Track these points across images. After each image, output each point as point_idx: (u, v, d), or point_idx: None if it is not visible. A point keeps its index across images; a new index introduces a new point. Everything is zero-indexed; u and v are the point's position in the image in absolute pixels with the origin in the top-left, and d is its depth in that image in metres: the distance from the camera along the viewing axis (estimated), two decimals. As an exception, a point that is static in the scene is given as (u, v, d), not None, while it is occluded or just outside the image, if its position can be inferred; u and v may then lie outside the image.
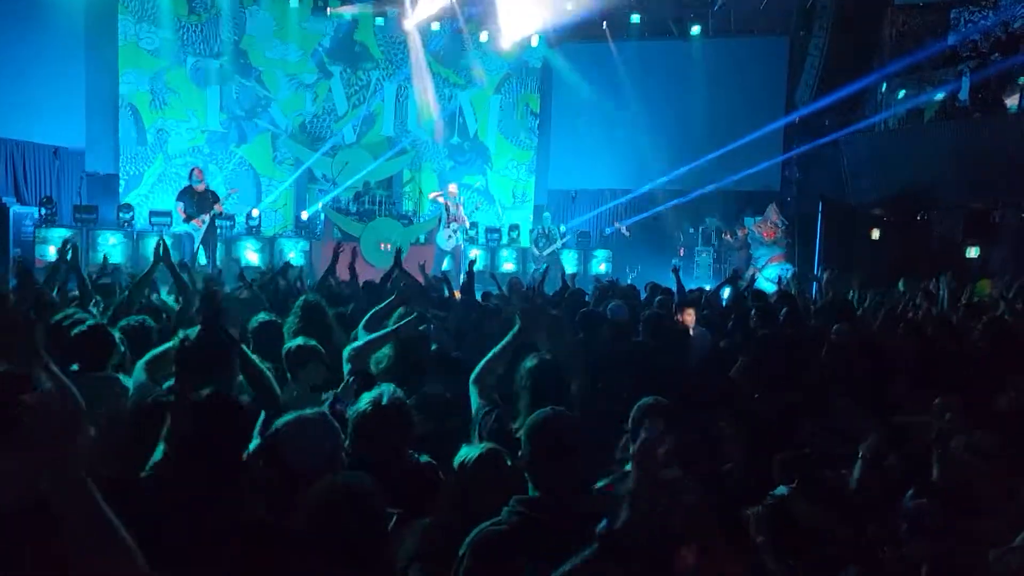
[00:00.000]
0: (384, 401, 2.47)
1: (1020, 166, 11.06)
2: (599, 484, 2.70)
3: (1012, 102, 12.07)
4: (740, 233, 14.16)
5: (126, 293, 5.15)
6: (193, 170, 11.25)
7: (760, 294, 7.28)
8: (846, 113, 14.10)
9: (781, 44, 14.72)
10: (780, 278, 11.94)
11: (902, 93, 14.03)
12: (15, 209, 10.92)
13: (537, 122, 16.31)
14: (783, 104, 14.47)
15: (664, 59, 14.90)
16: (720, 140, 14.06)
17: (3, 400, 1.57)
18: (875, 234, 12.66)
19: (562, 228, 14.34)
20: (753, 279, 9.48)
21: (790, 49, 14.62)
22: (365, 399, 2.50)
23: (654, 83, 14.86)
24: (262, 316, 4.09)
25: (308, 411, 2.21)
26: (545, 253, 13.78)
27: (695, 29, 14.70)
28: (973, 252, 11.77)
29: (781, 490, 2.87)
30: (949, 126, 12.51)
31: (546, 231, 14.08)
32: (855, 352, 4.83)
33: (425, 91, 15.02)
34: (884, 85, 14.01)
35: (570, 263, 14.63)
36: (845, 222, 12.78)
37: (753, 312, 5.69)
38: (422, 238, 13.37)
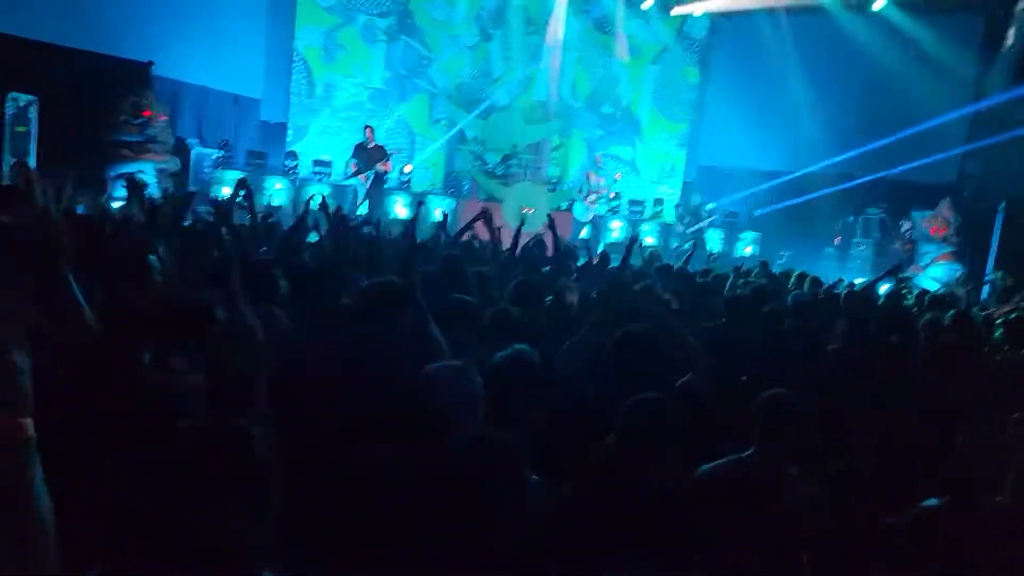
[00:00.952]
0: (517, 357, 2.52)
1: None
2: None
3: None
4: (905, 228, 13.18)
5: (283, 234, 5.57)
6: (366, 128, 11.83)
7: (925, 294, 6.76)
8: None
9: (975, 24, 13.39)
10: (950, 279, 11.10)
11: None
12: (197, 150, 11.87)
13: (694, 94, 15.80)
14: (971, 90, 13.20)
15: (839, 32, 13.92)
16: (894, 125, 13.04)
17: (194, 323, 1.78)
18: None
19: (710, 206, 13.92)
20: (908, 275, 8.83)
21: (985, 30, 13.28)
22: (499, 355, 2.56)
23: (826, 58, 13.92)
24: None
25: (457, 361, 2.30)
26: (690, 231, 13.47)
27: (880, 2, 13.61)
28: None
29: (932, 502, 2.69)
30: None
31: (693, 208, 13.74)
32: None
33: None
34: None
35: (715, 243, 14.20)
36: (1029, 224, 11.58)
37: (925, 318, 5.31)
38: (564, 205, 13.37)
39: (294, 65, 13.69)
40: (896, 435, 3.58)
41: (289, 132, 13.76)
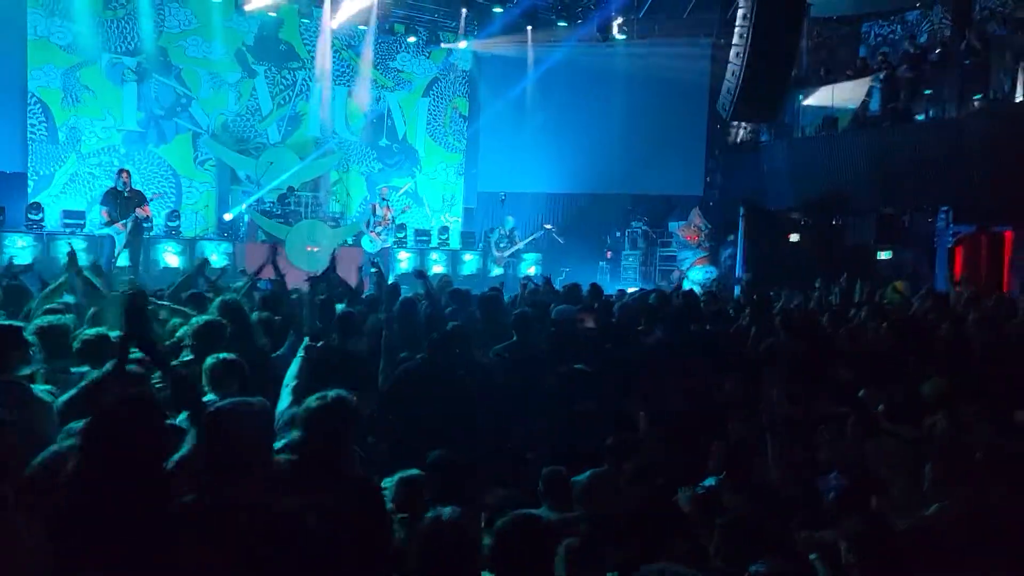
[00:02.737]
0: (330, 397, 2.45)
1: (928, 173, 11.66)
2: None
3: (920, 112, 12.71)
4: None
5: (35, 301, 5.00)
6: (121, 172, 10.80)
7: (692, 295, 7.47)
8: (766, 119, 14.58)
9: (704, 50, 15.11)
10: (706, 281, 12.34)
11: (817, 103, 14.60)
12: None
13: (466, 125, 16.33)
14: (705, 110, 14.85)
15: (591, 64, 15.12)
16: (645, 145, 14.37)
17: None
18: (794, 237, 13.15)
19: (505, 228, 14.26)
20: (680, 281, 9.77)
21: (712, 56, 15.04)
22: (312, 398, 2.47)
23: (581, 87, 15.07)
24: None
25: (250, 398, 2.22)
26: (507, 255, 13.92)
27: (620, 35, 14.96)
28: (885, 255, 12.34)
29: (710, 481, 2.96)
30: (862, 134, 13.09)
31: (508, 232, 14.12)
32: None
33: (357, 91, 14.91)
34: (800, 96, 14.55)
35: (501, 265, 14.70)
36: (765, 226, 13.21)
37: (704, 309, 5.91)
38: (350, 240, 13.19)
39: (30, 108, 12.33)
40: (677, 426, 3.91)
41: (30, 183, 12.35)
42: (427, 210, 15.84)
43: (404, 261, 13.74)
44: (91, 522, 1.92)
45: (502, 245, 14.06)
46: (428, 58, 15.81)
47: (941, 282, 10.46)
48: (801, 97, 14.36)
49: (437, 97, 16.03)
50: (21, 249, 10.81)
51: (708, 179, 15.29)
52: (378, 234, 12.72)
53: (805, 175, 13.50)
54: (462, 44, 15.64)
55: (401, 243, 14.27)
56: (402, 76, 15.59)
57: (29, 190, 12.27)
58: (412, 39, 15.25)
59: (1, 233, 10.86)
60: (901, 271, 11.57)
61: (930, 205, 11.84)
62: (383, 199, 13.14)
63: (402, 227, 14.40)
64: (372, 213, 12.96)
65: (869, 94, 13.37)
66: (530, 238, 14.21)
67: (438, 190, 16.14)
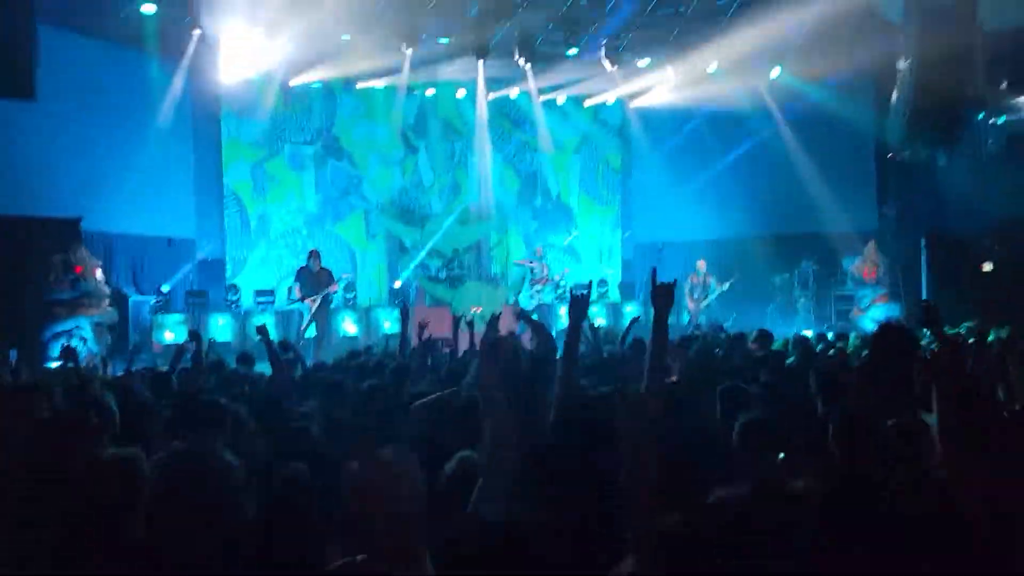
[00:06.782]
0: None
1: None
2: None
3: None
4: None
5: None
6: (312, 253, 11.64)
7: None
8: (942, 143, 13.50)
9: (866, 79, 14.32)
10: (888, 320, 11.41)
11: (1002, 119, 13.36)
12: (134, 298, 11.74)
13: (619, 178, 16.40)
14: (872, 139, 13.99)
15: (745, 103, 14.75)
16: (811, 182, 13.69)
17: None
18: (987, 267, 11.96)
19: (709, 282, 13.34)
20: None
21: (876, 83, 14.21)
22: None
23: (737, 128, 14.69)
24: None
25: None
26: (702, 305, 12.90)
27: (775, 72, 14.50)
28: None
29: None
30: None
31: (703, 279, 13.04)
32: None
33: (510, 157, 15.46)
34: (982, 113, 13.36)
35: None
36: (952, 256, 12.12)
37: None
38: (511, 298, 13.52)
39: (226, 201, 13.82)
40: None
41: (228, 267, 13.76)
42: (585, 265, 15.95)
43: (564, 316, 13.81)
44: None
45: (695, 294, 12.95)
46: (577, 117, 16.11)
47: None
48: (981, 116, 13.19)
49: (589, 154, 16.26)
50: (221, 327, 12.01)
51: (883, 210, 14.25)
52: (538, 291, 12.94)
53: (996, 196, 12.28)
54: (611, 99, 15.80)
55: (562, 299, 14.39)
56: (553, 137, 15.95)
57: (227, 274, 13.67)
58: (561, 100, 15.63)
59: (207, 314, 12.12)
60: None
61: None
62: (538, 257, 13.36)
63: (561, 281, 14.52)
64: (530, 272, 13.23)
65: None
66: (728, 284, 12.90)
67: (594, 244, 16.23)
